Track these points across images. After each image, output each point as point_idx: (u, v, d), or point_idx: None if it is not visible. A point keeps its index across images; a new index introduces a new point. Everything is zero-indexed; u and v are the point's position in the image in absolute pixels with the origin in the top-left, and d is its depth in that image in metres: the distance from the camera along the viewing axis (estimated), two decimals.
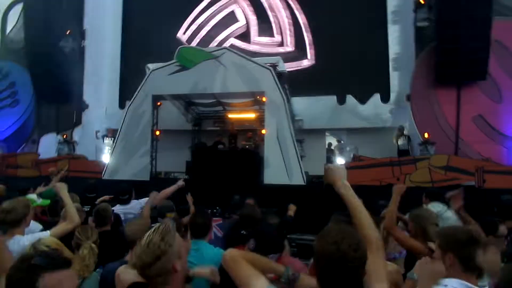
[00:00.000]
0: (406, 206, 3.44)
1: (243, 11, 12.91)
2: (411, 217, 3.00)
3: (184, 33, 13.02)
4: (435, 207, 3.87)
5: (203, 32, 12.97)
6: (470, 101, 10.04)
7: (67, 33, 12.49)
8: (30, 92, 13.00)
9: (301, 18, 12.43)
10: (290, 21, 12.53)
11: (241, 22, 12.88)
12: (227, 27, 12.86)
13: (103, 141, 11.84)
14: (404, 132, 10.16)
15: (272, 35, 12.65)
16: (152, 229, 1.55)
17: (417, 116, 10.45)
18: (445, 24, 9.73)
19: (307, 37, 12.28)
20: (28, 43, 12.73)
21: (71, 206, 2.93)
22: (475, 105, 10.04)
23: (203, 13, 13.07)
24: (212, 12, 13.02)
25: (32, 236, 2.72)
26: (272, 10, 12.72)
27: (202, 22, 13.04)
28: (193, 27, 13.09)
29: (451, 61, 9.61)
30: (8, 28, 14.41)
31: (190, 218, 3.01)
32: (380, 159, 8.70)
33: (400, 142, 9.96)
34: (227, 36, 12.80)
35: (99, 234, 2.82)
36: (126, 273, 1.99)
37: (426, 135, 9.70)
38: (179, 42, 12.69)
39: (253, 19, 12.80)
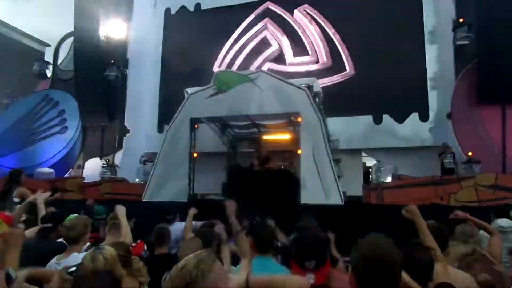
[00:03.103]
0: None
1: (272, 35, 13.16)
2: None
3: (220, 66, 13.34)
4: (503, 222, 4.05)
5: (238, 61, 13.26)
6: None
7: (112, 62, 13.32)
8: (77, 119, 13.81)
9: (335, 36, 12.44)
10: (322, 37, 12.59)
11: (274, 46, 13.13)
12: (262, 53, 13.11)
13: (143, 164, 12.16)
14: (449, 150, 9.78)
15: (306, 53, 12.73)
16: (193, 254, 1.45)
17: (459, 134, 10.07)
18: (486, 41, 9.48)
19: (343, 52, 12.25)
20: (77, 73, 13.76)
21: (126, 226, 3.36)
22: None
23: (237, 42, 13.44)
24: (246, 41, 13.36)
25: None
26: (301, 28, 12.85)
27: (236, 52, 13.37)
28: (229, 57, 13.41)
29: (494, 79, 9.27)
30: (60, 60, 15.67)
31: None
32: (422, 178, 8.40)
33: (446, 160, 9.59)
34: (263, 61, 13.01)
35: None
36: None
37: (470, 153, 9.31)
38: (216, 67, 13.11)
39: (285, 41, 12.98)
